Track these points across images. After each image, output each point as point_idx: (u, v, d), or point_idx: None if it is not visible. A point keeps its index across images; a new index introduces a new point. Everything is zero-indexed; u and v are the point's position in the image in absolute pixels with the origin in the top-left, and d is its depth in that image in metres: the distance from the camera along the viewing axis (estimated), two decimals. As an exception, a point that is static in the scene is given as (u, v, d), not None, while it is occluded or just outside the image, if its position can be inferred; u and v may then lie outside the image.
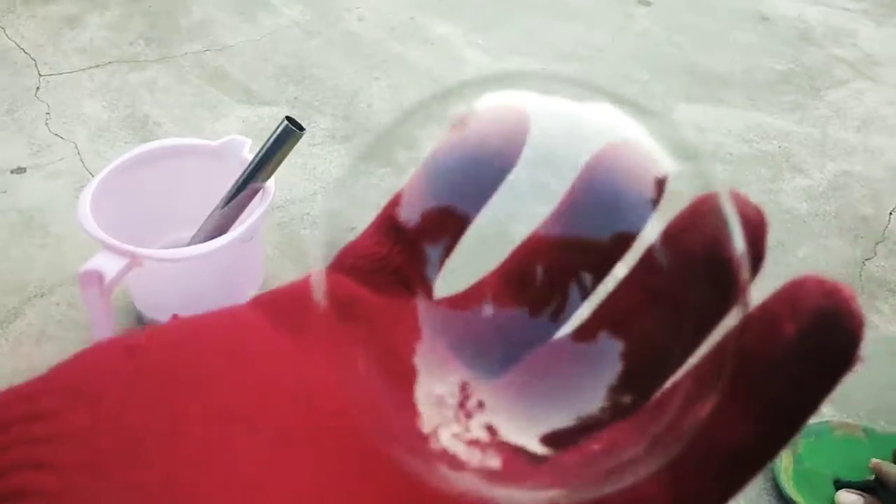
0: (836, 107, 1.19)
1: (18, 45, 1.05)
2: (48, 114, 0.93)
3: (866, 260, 0.91)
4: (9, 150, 0.86)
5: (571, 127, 0.15)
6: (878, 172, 1.05)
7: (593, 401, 0.14)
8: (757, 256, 0.14)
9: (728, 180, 0.99)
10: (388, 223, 0.15)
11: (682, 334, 0.14)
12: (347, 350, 0.13)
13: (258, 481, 0.11)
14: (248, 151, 0.65)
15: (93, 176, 0.85)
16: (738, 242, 0.13)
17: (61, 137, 0.90)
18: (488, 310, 0.15)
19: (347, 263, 0.15)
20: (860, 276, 0.88)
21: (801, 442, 0.68)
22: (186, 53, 1.09)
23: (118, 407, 0.12)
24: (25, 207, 0.79)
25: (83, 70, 1.02)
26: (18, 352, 0.64)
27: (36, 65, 1.02)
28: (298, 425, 0.12)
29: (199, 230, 0.62)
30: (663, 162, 0.15)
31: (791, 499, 0.65)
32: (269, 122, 0.98)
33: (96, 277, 0.52)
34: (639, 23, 1.35)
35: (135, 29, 1.13)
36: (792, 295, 0.12)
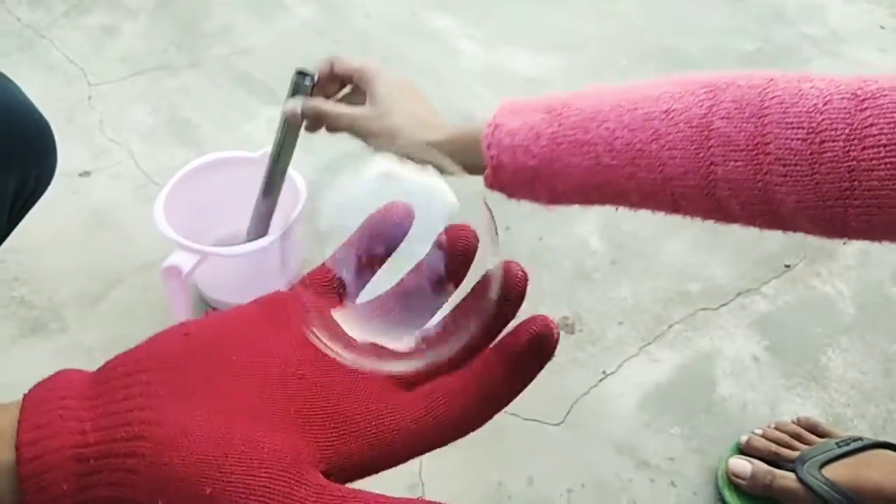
0: (798, 85, 1.31)
1: (67, 57, 1.19)
2: (101, 121, 1.08)
3: (811, 228, 1.05)
4: (74, 155, 1.01)
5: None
6: (830, 147, 1.18)
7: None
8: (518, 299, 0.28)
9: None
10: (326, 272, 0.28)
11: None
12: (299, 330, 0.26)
13: (253, 403, 0.24)
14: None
15: (147, 177, 1.00)
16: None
17: (116, 143, 1.05)
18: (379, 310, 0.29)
19: (308, 282, 0.28)
20: (804, 241, 1.03)
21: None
22: (213, 57, 1.23)
23: (178, 364, 0.23)
24: (95, 207, 0.95)
25: (125, 78, 1.17)
26: (108, 326, 0.80)
27: (85, 75, 1.16)
28: (273, 374, 0.25)
29: (250, 222, 0.77)
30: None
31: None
32: (291, 120, 1.12)
33: (176, 271, 0.68)
34: (620, 7, 1.46)
35: (164, 35, 1.26)
36: (529, 322, 0.26)
